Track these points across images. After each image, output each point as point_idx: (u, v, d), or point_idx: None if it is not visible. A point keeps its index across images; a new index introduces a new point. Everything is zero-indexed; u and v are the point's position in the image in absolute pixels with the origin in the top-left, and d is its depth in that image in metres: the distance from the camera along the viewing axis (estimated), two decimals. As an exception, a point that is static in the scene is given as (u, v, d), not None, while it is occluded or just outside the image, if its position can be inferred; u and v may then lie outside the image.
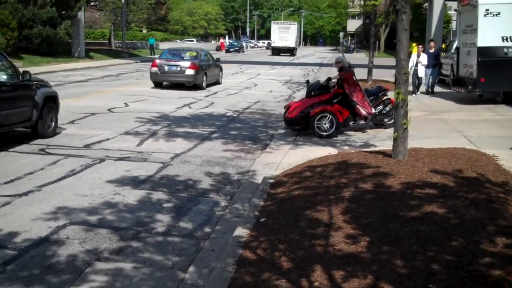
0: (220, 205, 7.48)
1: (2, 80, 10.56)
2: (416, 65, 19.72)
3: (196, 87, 22.73)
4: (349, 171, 7.79)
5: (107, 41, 63.72)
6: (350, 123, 12.62)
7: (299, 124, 12.38)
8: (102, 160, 9.71)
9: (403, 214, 5.94)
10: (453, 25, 56.59)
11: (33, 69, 30.67)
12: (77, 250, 5.75)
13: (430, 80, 20.51)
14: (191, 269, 5.35)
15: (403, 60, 8.67)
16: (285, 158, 10.02)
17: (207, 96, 20.71)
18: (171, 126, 13.52)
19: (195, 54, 24.52)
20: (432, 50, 20.63)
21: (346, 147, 10.81)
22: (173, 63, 23.28)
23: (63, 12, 38.59)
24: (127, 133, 12.44)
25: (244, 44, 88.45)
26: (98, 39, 73.12)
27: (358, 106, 12.30)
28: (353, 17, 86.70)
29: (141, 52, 59.13)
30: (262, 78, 30.26)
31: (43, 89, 11.75)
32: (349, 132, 12.63)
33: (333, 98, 12.43)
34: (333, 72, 35.32)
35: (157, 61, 23.92)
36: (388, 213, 5.99)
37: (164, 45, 73.91)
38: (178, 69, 22.95)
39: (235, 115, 15.89)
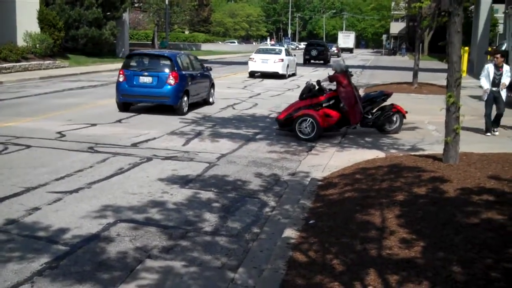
0: (268, 205, 7.44)
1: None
2: (495, 84, 12.50)
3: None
4: (401, 175, 7.66)
5: (151, 42, 64.50)
6: (346, 127, 12.63)
7: (287, 126, 12.41)
8: (149, 159, 9.78)
9: (457, 220, 5.80)
10: (500, 28, 55.45)
11: (78, 69, 31.35)
12: (127, 247, 5.79)
13: None
14: (241, 269, 5.32)
15: (455, 63, 8.50)
16: (331, 160, 9.92)
17: (250, 97, 20.72)
18: (215, 127, 13.56)
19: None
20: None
21: (393, 151, 10.64)
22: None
23: (108, 13, 39.14)
24: (172, 132, 12.52)
25: (285, 45, 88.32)
26: (142, 40, 74.13)
27: (347, 111, 12.15)
28: (397, 19, 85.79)
29: (184, 53, 59.51)
30: (305, 80, 30.03)
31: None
32: (395, 135, 12.46)
33: (326, 101, 12.39)
34: (376, 75, 35.00)
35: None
36: (442, 219, 5.85)
37: (206, 47, 74.56)
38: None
39: (279, 117, 15.80)
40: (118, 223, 6.48)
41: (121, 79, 15.63)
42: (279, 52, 31.74)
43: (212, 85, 18.60)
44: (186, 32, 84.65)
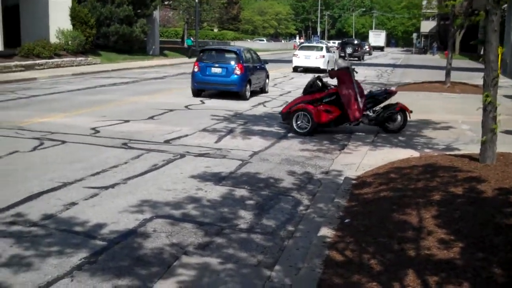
0: (301, 204, 7.42)
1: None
2: None
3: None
4: (436, 174, 7.56)
5: (180, 40, 64.81)
6: (345, 124, 12.74)
7: (287, 119, 12.71)
8: (182, 156, 9.84)
9: (497, 220, 5.70)
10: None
11: (110, 66, 31.68)
12: (164, 243, 5.83)
13: None
14: (277, 267, 5.31)
15: (492, 62, 8.35)
16: (364, 159, 9.86)
17: (281, 95, 20.69)
18: (247, 124, 13.58)
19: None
20: None
21: (428, 150, 10.53)
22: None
23: (139, 10, 39.41)
24: (204, 129, 12.57)
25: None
26: (171, 38, 74.55)
27: (346, 107, 12.26)
28: (427, 18, 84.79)
29: (213, 51, 59.70)
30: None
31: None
32: (429, 134, 12.31)
33: (326, 97, 12.56)
34: (407, 73, 34.64)
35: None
36: (481, 219, 5.76)
37: (236, 44, 74.55)
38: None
39: (310, 115, 15.74)
40: (154, 219, 6.53)
41: (196, 70, 19.03)
42: (320, 49, 34.98)
43: (267, 76, 21.88)
44: (215, 30, 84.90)
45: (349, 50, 51.83)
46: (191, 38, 47.54)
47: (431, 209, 6.19)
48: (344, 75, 12.42)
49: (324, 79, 13.11)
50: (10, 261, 5.25)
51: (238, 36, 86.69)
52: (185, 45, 46.31)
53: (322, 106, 12.43)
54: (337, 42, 71.63)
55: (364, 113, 12.60)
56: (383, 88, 14.66)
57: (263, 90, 21.16)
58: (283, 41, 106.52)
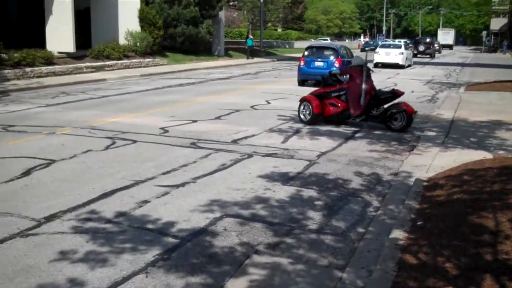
0: (372, 205, 7.33)
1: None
2: None
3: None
4: (513, 177, 7.32)
5: (244, 40, 65.19)
6: (351, 119, 13.40)
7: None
8: (250, 156, 9.90)
9: None
10: None
11: (176, 67, 32.25)
12: (234, 242, 5.88)
13: None
14: (348, 269, 5.26)
15: None
16: (435, 160, 9.63)
17: (346, 95, 20.48)
18: (313, 125, 13.50)
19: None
20: None
21: (501, 151, 10.19)
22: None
23: (205, 11, 39.82)
24: (271, 130, 12.61)
25: (380, 43, 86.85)
26: (235, 38, 75.06)
27: (349, 103, 13.21)
28: (498, 15, 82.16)
29: (277, 51, 59.93)
30: (402, 78, 29.47)
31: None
32: (502, 135, 11.91)
33: (335, 91, 13.41)
34: (477, 73, 33.83)
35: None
36: (562, 224, 5.54)
37: (298, 44, 74.49)
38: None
39: (377, 115, 15.53)
40: (224, 218, 6.60)
41: (301, 64, 23.65)
42: (399, 47, 39.26)
43: None
44: (279, 30, 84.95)
45: (421, 48, 57.03)
46: (250, 37, 47.48)
47: (508, 212, 5.99)
48: (356, 72, 13.29)
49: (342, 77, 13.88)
50: (87, 256, 5.42)
51: (302, 36, 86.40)
52: (246, 45, 46.40)
53: (329, 100, 13.43)
54: (402, 40, 70.84)
55: (371, 111, 13.23)
56: (390, 88, 15.12)
57: None
58: (347, 40, 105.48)
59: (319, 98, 13.44)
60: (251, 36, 47.71)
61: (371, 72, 13.50)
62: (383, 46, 40.75)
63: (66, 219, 6.44)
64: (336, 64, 21.97)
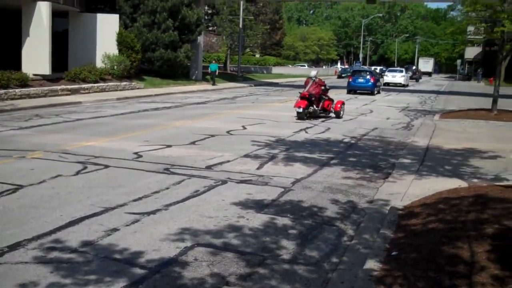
0: (346, 234, 7.20)
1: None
2: None
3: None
4: (488, 206, 7.26)
5: (223, 65, 65.35)
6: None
7: None
8: (224, 182, 9.74)
9: (555, 257, 5.39)
10: None
11: (154, 90, 32.12)
12: (205, 273, 5.69)
13: None
14: (321, 301, 5.12)
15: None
16: (410, 188, 9.58)
17: (323, 121, 20.52)
18: (289, 151, 13.43)
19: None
20: None
21: (475, 180, 10.18)
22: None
23: (184, 36, 39.84)
24: (246, 155, 12.48)
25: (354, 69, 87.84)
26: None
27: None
28: (472, 44, 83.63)
29: (255, 76, 60.15)
30: (378, 105, 29.70)
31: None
32: (476, 163, 11.92)
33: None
34: (451, 100, 34.32)
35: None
36: (538, 255, 5.46)
37: (276, 70, 74.95)
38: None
39: (353, 142, 15.55)
40: (195, 247, 6.41)
41: (350, 80, 39.15)
42: (401, 71, 56.84)
43: (379, 85, 42.44)
44: (257, 55, 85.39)
45: (410, 73, 68.90)
46: (214, 62, 45.78)
47: (483, 243, 5.91)
48: (306, 81, 21.27)
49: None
50: (50, 288, 5.19)
51: (280, 62, 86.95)
52: (209, 70, 43.66)
53: (299, 99, 20.77)
54: (378, 68, 73.11)
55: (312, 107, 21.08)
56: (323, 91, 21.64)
57: (379, 92, 40.97)
58: (324, 66, 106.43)
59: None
60: (214, 61, 46.73)
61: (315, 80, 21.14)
62: (390, 71, 58.08)
63: (31, 248, 6.20)
64: (371, 80, 37.96)
